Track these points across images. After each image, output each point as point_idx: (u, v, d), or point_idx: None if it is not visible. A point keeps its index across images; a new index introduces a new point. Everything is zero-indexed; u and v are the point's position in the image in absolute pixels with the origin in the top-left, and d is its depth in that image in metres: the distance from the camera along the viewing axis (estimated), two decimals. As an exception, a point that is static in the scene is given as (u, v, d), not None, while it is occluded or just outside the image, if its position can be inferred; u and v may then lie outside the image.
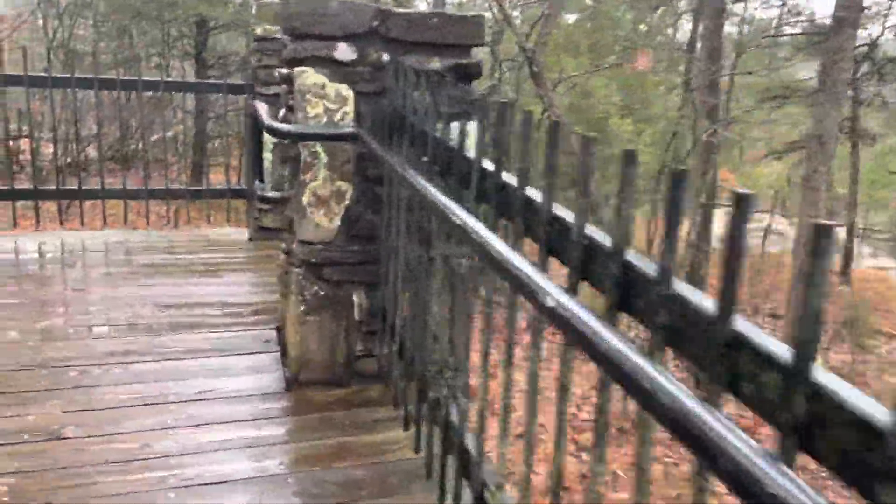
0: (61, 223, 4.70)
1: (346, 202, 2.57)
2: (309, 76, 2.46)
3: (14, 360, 2.72)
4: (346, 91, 2.50)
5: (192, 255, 4.32)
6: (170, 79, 4.78)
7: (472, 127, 2.37)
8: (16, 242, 4.40)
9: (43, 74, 4.48)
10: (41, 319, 3.12)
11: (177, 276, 3.88)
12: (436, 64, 2.54)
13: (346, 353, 2.68)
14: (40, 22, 15.58)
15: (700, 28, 14.86)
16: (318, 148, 2.50)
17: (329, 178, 2.53)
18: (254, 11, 12.78)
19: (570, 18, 16.78)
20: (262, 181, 3.02)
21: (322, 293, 2.62)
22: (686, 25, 19.21)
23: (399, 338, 2.41)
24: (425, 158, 2.18)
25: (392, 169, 2.16)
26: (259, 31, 4.57)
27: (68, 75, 4.50)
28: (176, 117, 14.63)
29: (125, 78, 4.63)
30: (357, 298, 2.64)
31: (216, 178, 18.10)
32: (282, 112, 3.01)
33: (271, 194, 2.89)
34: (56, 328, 3.03)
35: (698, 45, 15.87)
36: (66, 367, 2.68)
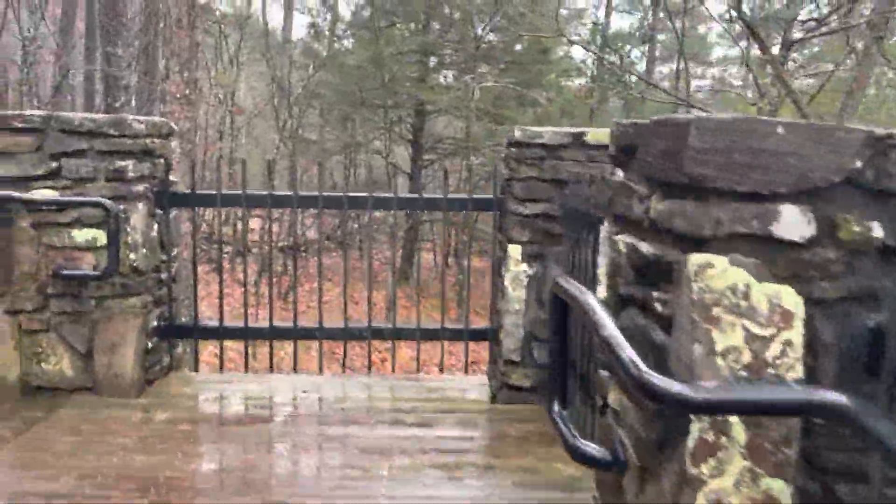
0: (271, 366, 3.85)
1: (778, 518, 1.26)
2: (719, 273, 1.22)
3: None
4: (792, 300, 1.22)
5: (422, 430, 3.24)
6: (404, 195, 3.88)
7: None
8: (220, 395, 3.62)
9: (263, 193, 3.77)
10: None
11: (408, 476, 2.79)
12: (983, 240, 1.20)
13: None
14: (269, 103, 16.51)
15: None
16: (731, 419, 1.24)
17: (749, 476, 1.24)
18: (475, 95, 12.29)
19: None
20: (563, 405, 1.81)
21: None
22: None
23: None
24: None
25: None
26: (517, 133, 3.52)
27: (290, 194, 3.74)
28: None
29: (353, 194, 3.78)
30: None
31: (426, 259, 17.80)
32: (553, 279, 1.83)
33: (596, 452, 1.65)
34: None
35: None
36: None
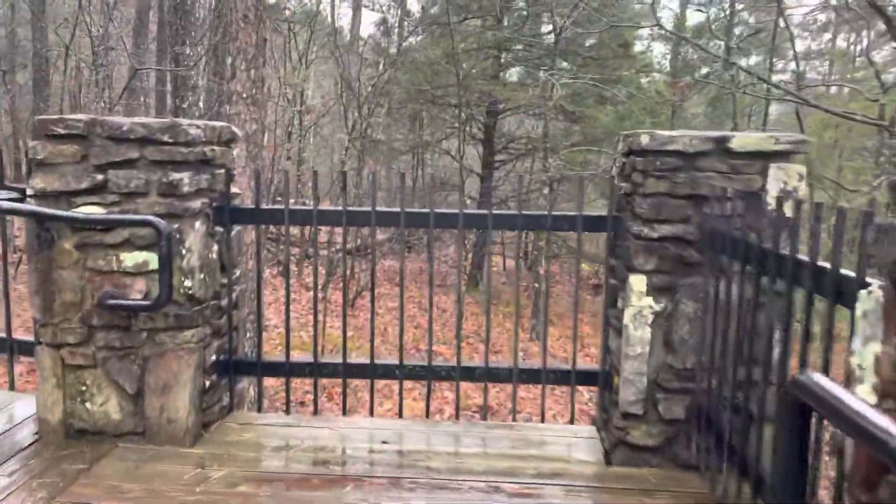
0: (344, 409, 3.33)
1: None
2: None
3: None
4: None
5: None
6: (500, 211, 3.28)
7: None
8: (286, 444, 3.11)
9: (336, 209, 3.25)
10: None
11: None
12: None
13: None
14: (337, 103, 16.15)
15: None
16: None
17: None
18: (556, 92, 11.57)
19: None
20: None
21: None
22: None
23: None
24: None
25: None
26: (644, 139, 2.87)
27: (367, 210, 3.21)
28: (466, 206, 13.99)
29: (441, 211, 3.22)
30: None
31: (495, 264, 17.11)
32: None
33: None
34: None
35: None
36: None
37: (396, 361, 3.34)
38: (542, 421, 3.37)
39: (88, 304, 2.99)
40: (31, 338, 3.17)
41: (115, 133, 2.91)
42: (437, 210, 3.21)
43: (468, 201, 15.20)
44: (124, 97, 12.91)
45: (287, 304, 3.33)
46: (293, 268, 15.67)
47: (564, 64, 13.71)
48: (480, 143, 14.24)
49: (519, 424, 3.38)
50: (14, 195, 3.05)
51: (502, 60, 13.81)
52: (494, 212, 3.20)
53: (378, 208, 3.21)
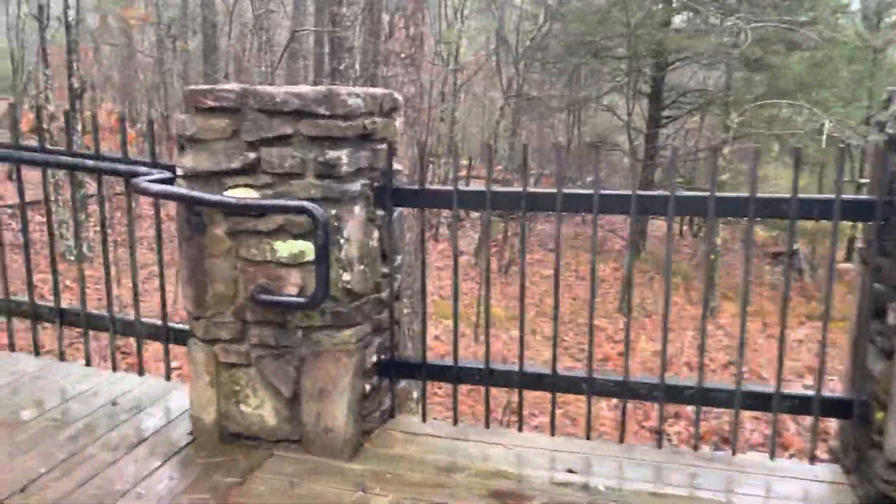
0: (520, 424, 2.84)
1: None
2: None
3: None
4: None
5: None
6: (725, 194, 2.57)
7: None
8: (454, 464, 2.67)
9: (515, 191, 2.71)
10: None
11: None
12: None
13: None
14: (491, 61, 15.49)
15: None
16: None
17: None
18: (746, 39, 10.20)
19: None
20: None
21: None
22: None
23: None
24: None
25: None
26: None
27: (552, 191, 2.64)
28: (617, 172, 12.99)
29: (646, 193, 2.59)
30: None
31: (658, 228, 15.89)
32: None
33: None
34: None
35: None
36: None
37: (583, 373, 2.79)
38: (772, 457, 2.68)
39: (242, 297, 2.69)
40: (186, 326, 2.95)
41: (268, 105, 2.53)
42: (641, 192, 2.57)
43: (627, 161, 14.12)
44: (285, 60, 13.08)
45: (455, 302, 2.86)
46: (444, 231, 15.45)
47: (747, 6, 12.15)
48: (645, 98, 13.09)
49: (738, 458, 2.73)
50: (165, 175, 2.79)
51: (674, 4, 12.47)
52: (718, 194, 2.51)
53: (565, 190, 2.63)
